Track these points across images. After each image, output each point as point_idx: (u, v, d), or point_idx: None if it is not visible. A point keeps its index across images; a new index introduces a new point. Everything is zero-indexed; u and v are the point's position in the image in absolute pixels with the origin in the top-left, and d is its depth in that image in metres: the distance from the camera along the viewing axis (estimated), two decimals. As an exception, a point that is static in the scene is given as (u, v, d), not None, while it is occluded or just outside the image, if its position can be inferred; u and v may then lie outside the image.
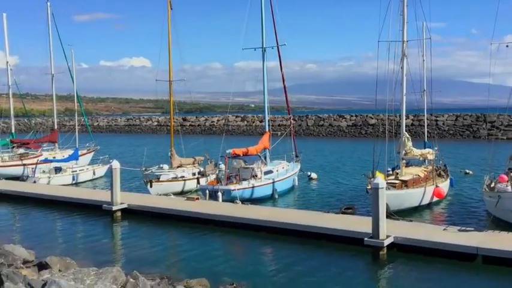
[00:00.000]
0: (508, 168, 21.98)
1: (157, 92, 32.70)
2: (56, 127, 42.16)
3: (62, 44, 39.93)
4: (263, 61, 28.75)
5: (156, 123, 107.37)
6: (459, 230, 16.60)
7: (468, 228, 16.86)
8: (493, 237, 15.60)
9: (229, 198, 23.64)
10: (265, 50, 28.56)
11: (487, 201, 20.41)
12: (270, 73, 29.90)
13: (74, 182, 32.80)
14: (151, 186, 26.65)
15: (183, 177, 28.45)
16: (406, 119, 27.12)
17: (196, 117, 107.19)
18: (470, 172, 33.54)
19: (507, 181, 19.34)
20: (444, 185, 24.81)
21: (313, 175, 33.13)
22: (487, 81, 23.72)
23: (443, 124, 74.33)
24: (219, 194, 23.81)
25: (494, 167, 23.35)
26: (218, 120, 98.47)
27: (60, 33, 39.88)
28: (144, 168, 28.32)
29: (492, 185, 21.11)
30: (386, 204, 17.48)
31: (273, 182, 26.24)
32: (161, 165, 29.85)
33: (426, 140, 32.76)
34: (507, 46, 22.29)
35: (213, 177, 27.56)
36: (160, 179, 27.81)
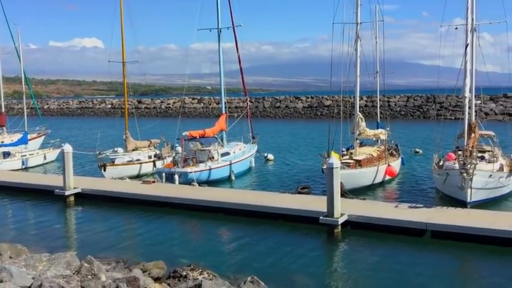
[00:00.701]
0: (456, 147, 22.91)
1: (111, 74, 31.86)
2: (3, 110, 40.32)
3: (8, 23, 38.02)
4: (219, 42, 28.46)
5: (110, 106, 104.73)
6: (409, 207, 17.25)
7: (418, 205, 17.55)
8: (441, 213, 16.32)
9: (186, 180, 23.51)
10: (220, 31, 28.24)
11: (436, 179, 21.23)
12: (226, 55, 29.67)
13: (23, 166, 31.62)
14: (105, 170, 26.09)
15: (139, 160, 28.01)
16: (360, 100, 27.67)
17: (151, 99, 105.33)
18: (420, 151, 34.81)
19: (454, 159, 20.14)
20: (396, 164, 25.65)
21: (270, 156, 33.41)
22: (437, 63, 24.50)
23: (395, 105, 76.41)
24: (176, 176, 23.62)
25: (442, 146, 24.26)
26: (174, 103, 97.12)
27: (5, 12, 37.91)
28: (97, 152, 27.63)
29: (441, 163, 21.96)
30: (341, 183, 17.91)
31: (230, 164, 26.26)
32: (116, 149, 29.24)
33: (379, 121, 33.62)
34: (456, 28, 23.02)
35: (169, 160, 27.28)
36: (115, 163, 27.27)
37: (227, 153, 27.15)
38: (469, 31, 21.16)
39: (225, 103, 29.61)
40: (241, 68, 31.09)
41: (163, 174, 24.19)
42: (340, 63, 24.34)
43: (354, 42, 24.68)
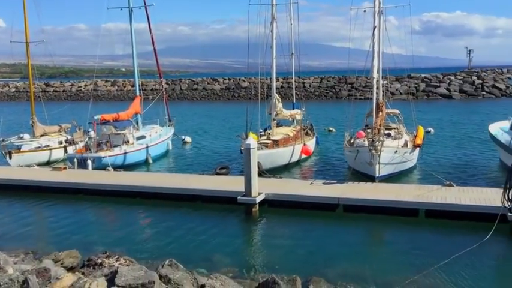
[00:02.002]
0: (365, 125, 24.12)
1: (14, 55, 29.67)
2: None
3: None
4: (130, 22, 27.39)
5: (14, 90, 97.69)
6: (323, 184, 17.96)
7: (331, 181, 18.31)
8: (352, 188, 17.16)
9: (101, 165, 22.66)
10: (132, 10, 27.20)
11: (347, 156, 22.24)
12: (140, 35, 28.72)
13: None
14: (10, 158, 24.41)
15: (48, 146, 26.50)
16: (276, 82, 28.10)
17: (60, 82, 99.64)
18: (333, 130, 36.30)
19: (364, 137, 21.20)
20: (311, 143, 26.55)
21: (188, 139, 33.10)
22: (348, 46, 25.46)
23: (310, 86, 78.70)
24: (89, 162, 22.68)
25: (353, 125, 25.42)
26: (86, 85, 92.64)
27: None
28: (1, 139, 25.73)
29: (351, 141, 23.03)
30: (259, 163, 18.23)
31: (147, 147, 25.69)
32: (21, 135, 27.39)
33: (294, 101, 34.42)
34: (364, 11, 24.05)
35: (81, 145, 26.09)
36: (22, 150, 25.56)
37: (143, 137, 26.49)
38: (376, 14, 22.19)
39: (139, 85, 28.73)
40: (155, 49, 30.23)
41: (75, 160, 23.12)
42: (257, 44, 24.57)
43: (270, 24, 24.94)
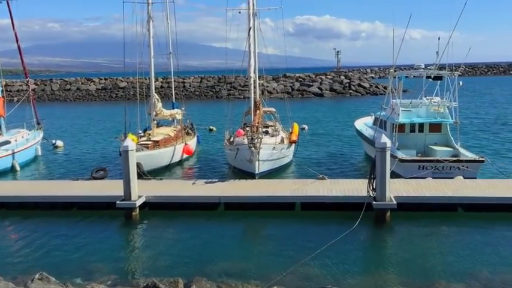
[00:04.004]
0: (244, 123, 24.72)
1: None
2: None
3: None
4: (-12, 16, 24.91)
5: None
6: (205, 183, 18.03)
7: (213, 180, 18.45)
8: (233, 186, 17.48)
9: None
10: (-10, 4, 24.74)
11: (228, 154, 22.59)
12: (4, 32, 26.26)
13: None
14: None
15: None
16: (155, 82, 27.59)
17: None
18: (214, 129, 36.66)
19: (243, 135, 21.71)
20: (192, 143, 26.51)
21: (59, 142, 31.04)
22: (226, 46, 25.91)
23: (190, 86, 78.55)
24: None
25: (233, 123, 25.90)
26: None
27: None
28: None
29: (231, 140, 23.45)
30: (140, 165, 17.74)
31: (12, 154, 23.59)
32: None
33: (174, 101, 34.06)
34: (239, 13, 24.61)
35: None
36: None
37: (7, 142, 24.30)
38: (251, 15, 22.88)
39: (2, 86, 26.24)
40: (19, 46, 27.74)
41: None
42: (134, 43, 23.95)
43: (146, 22, 24.45)
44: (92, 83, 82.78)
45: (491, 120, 39.89)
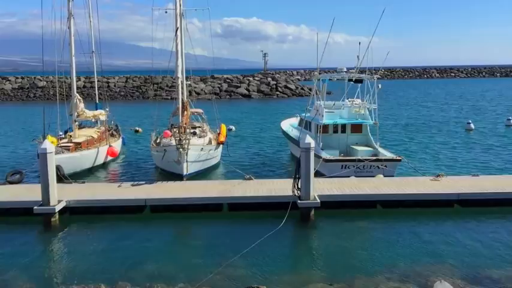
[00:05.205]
0: (171, 125, 24.40)
1: None
2: None
3: None
4: None
5: None
6: (131, 185, 17.56)
7: (139, 182, 18.01)
8: (159, 188, 17.16)
9: None
10: None
11: (155, 156, 22.20)
12: None
13: None
14: None
15: None
16: (77, 81, 26.57)
17: None
18: (140, 130, 35.83)
19: (170, 136, 21.43)
20: (117, 144, 25.76)
21: (-29, 145, 28.88)
22: (152, 46, 25.43)
23: (115, 86, 76.21)
24: None
25: (160, 124, 25.47)
26: None
27: None
28: None
29: (158, 141, 23.06)
30: (60, 168, 16.97)
31: None
32: None
33: (98, 102, 32.91)
34: (166, 12, 24.23)
35: None
36: None
37: None
38: (177, 16, 22.63)
39: None
40: None
41: None
42: (53, 41, 22.94)
43: (67, 19, 23.52)
44: (8, 82, 77.91)
45: (408, 121, 42.35)
